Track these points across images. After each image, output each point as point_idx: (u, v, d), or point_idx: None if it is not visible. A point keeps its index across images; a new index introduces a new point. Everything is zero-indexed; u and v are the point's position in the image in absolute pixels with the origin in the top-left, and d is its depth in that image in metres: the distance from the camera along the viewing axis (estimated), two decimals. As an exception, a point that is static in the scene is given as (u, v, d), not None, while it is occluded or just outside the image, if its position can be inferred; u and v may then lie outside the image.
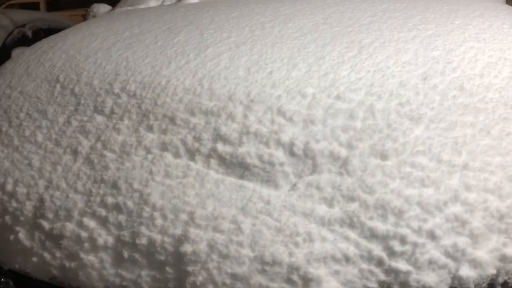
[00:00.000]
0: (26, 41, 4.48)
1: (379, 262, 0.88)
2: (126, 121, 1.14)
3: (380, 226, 0.91)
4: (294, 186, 1.01)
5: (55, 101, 1.26)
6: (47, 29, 4.92)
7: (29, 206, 1.08)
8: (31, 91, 1.32)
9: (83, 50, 1.37)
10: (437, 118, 1.06)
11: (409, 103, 1.08)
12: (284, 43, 1.21)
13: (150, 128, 1.12)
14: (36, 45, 1.61)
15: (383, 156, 1.01)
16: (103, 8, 2.64)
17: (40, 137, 1.21)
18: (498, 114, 1.08)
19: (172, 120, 1.11)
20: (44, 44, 1.55)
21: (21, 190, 1.12)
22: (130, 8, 2.11)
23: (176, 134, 1.10)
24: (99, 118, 1.18)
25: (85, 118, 1.19)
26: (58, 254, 1.02)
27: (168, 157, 1.08)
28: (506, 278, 0.90)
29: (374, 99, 1.09)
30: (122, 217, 1.00)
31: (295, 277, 0.89)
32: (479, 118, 1.07)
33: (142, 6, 2.28)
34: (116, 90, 1.19)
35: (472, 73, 1.15)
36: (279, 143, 1.04)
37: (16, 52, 3.88)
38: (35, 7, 18.54)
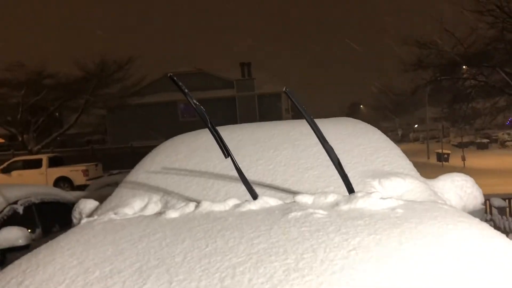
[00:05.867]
0: (16, 218, 4.51)
1: None
2: None
3: None
4: None
5: None
6: (39, 203, 5.00)
7: None
8: None
9: None
10: None
11: None
12: None
13: None
14: (7, 272, 1.56)
15: None
16: (89, 204, 2.67)
17: None
18: None
19: None
20: (13, 274, 1.51)
21: None
22: (113, 215, 2.12)
23: None
24: None
25: None
26: None
27: None
28: None
29: None
30: None
31: None
32: None
33: (126, 209, 2.31)
34: None
35: None
36: None
37: (3, 234, 3.85)
38: (38, 163, 19.21)
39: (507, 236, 5.56)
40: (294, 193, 2.11)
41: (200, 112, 1.97)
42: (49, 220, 4.88)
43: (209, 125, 1.98)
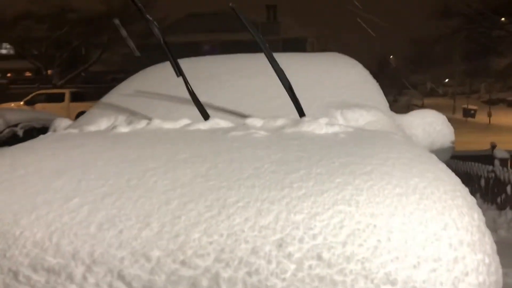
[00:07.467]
0: (16, 140, 4.67)
1: None
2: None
3: None
4: None
5: None
6: (41, 128, 5.15)
7: None
8: None
9: None
10: (287, 291, 1.01)
11: (258, 273, 1.04)
12: (150, 198, 1.20)
13: None
14: None
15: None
16: (64, 123, 2.73)
17: None
18: None
19: (16, 275, 1.08)
20: None
21: None
22: (72, 130, 2.17)
23: (16, 291, 1.06)
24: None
25: None
26: None
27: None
28: None
29: (221, 266, 1.04)
30: None
31: None
32: (334, 292, 1.02)
33: (91, 127, 2.35)
34: None
35: (334, 241, 1.10)
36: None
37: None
38: (60, 97, 19.57)
39: (506, 187, 5.48)
40: (250, 117, 2.11)
41: (153, 29, 1.95)
42: (51, 145, 5.07)
43: (162, 42, 1.97)
